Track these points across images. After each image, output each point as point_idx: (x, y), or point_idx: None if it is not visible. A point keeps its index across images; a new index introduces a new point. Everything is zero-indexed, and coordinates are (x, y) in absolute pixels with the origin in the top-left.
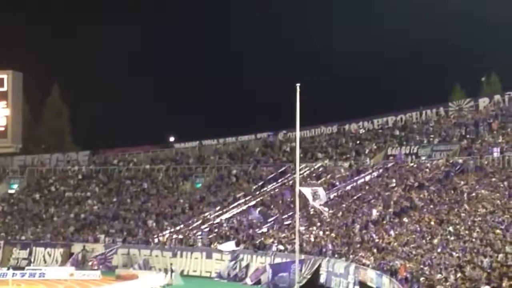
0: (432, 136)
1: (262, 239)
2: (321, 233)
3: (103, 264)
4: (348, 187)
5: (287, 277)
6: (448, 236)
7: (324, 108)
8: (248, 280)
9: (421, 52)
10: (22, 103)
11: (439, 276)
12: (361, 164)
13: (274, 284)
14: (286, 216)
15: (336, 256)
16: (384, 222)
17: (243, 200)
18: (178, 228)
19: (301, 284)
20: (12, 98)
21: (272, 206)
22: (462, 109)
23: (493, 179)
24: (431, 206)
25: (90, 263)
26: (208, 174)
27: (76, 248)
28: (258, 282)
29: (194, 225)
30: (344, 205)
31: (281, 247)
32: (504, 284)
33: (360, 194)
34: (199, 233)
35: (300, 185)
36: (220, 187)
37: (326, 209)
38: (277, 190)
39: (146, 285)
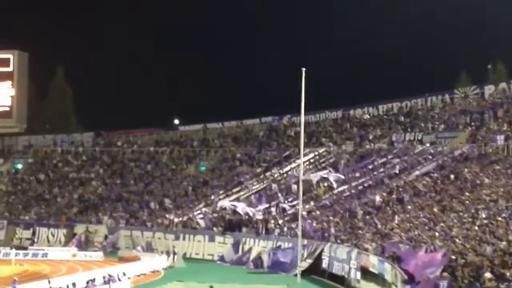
0: (437, 123)
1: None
2: (324, 218)
3: (110, 247)
4: (352, 173)
5: (287, 262)
6: (451, 223)
7: (329, 93)
8: (250, 264)
9: (428, 39)
10: (28, 84)
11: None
12: (365, 150)
13: (274, 267)
14: (289, 200)
15: (338, 241)
16: (388, 208)
17: (247, 184)
18: (181, 211)
19: (303, 269)
20: (17, 78)
21: (276, 190)
22: (467, 96)
23: (497, 167)
24: (434, 193)
25: (93, 244)
26: (212, 158)
27: (79, 229)
28: (260, 266)
29: (197, 207)
30: (347, 190)
31: (286, 229)
32: (506, 272)
33: (364, 180)
34: (201, 215)
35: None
36: (223, 171)
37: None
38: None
39: (149, 267)
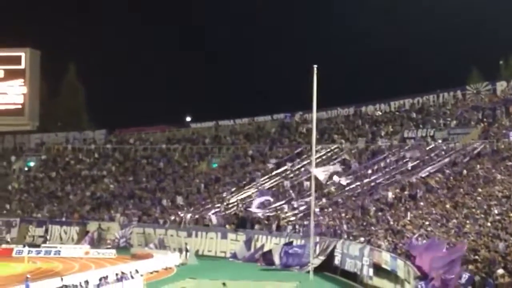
0: (449, 119)
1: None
2: (336, 214)
3: (124, 243)
4: (364, 169)
5: (299, 258)
6: (464, 220)
7: (341, 90)
8: (262, 261)
9: (440, 35)
10: (40, 81)
11: None
12: (377, 147)
13: (286, 264)
14: (301, 197)
15: (351, 238)
16: (400, 204)
17: (259, 181)
18: (193, 208)
19: (315, 265)
20: (29, 76)
21: (288, 187)
22: (479, 92)
23: (509, 163)
24: (447, 190)
25: (106, 242)
26: (224, 155)
27: (92, 226)
28: (272, 263)
29: (209, 205)
30: (359, 187)
31: (298, 226)
32: None
33: (376, 176)
34: (213, 212)
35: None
36: (236, 168)
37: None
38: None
39: (161, 264)
